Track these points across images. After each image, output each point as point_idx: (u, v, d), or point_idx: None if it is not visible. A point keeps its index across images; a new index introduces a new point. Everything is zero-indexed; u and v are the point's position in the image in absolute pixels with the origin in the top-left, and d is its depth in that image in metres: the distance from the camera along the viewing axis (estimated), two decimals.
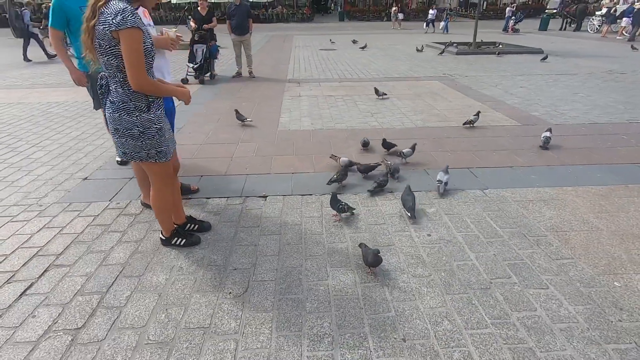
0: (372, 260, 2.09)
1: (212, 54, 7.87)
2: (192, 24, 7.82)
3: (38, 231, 2.59)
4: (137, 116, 1.93)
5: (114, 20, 1.65)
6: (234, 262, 2.27)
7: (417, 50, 12.51)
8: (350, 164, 3.43)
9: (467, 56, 11.41)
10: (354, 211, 2.73)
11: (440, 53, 11.87)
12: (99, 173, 3.51)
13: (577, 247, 2.39)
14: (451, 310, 1.89)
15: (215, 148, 4.11)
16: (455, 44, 12.68)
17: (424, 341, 1.72)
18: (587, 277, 2.11)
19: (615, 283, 2.07)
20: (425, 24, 20.91)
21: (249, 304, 1.94)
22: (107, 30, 1.67)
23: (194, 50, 7.57)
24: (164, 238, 2.40)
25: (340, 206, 2.63)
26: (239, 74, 8.40)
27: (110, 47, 1.73)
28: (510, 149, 3.99)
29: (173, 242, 2.38)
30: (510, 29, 20.08)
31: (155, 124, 2.00)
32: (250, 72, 8.32)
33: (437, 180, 3.10)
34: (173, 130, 2.80)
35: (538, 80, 7.67)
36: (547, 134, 4.06)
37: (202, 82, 7.66)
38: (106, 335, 1.76)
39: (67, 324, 1.82)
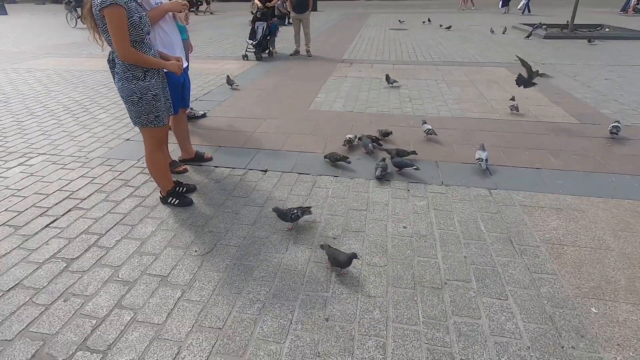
0: (344, 260, 1.99)
1: (271, 31, 8.14)
2: (256, 1, 8.15)
3: (77, 179, 3.14)
4: (135, 84, 2.22)
5: (97, 1, 1.90)
6: (211, 225, 2.51)
7: (492, 32, 11.40)
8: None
9: (557, 40, 9.98)
10: (310, 210, 2.48)
11: (527, 36, 10.55)
12: (139, 135, 4.03)
13: (568, 263, 2.13)
14: (387, 302, 1.88)
15: (244, 122, 4.38)
16: (544, 26, 11.13)
17: (345, 324, 1.76)
18: (561, 297, 1.90)
19: (592, 309, 1.83)
20: (500, 2, 18.21)
21: (207, 263, 2.16)
22: (97, 10, 1.94)
23: (255, 28, 7.91)
24: (161, 196, 2.73)
25: (293, 215, 2.38)
26: (296, 52, 8.58)
27: (104, 24, 2.01)
28: (549, 149, 3.55)
29: (169, 201, 2.71)
30: (630, 9, 16.83)
31: (151, 91, 2.28)
32: (308, 51, 8.44)
33: (477, 159, 3.16)
34: (188, 103, 3.12)
35: (634, 72, 6.46)
36: (616, 123, 3.77)
37: (259, 59, 8.02)
38: (89, 267, 2.13)
39: (67, 254, 2.24)
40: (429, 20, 14.52)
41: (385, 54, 8.47)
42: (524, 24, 12.34)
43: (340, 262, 2.02)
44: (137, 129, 4.21)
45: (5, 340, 1.70)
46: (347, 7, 21.94)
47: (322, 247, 2.16)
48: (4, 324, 1.78)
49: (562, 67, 6.96)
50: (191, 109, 4.30)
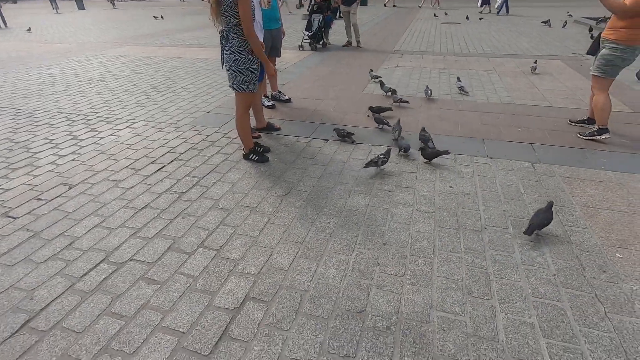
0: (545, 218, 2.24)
1: (326, 23, 8.63)
2: None
3: (173, 139, 3.82)
4: (245, 57, 2.81)
5: None
6: (286, 176, 3.04)
7: (543, 22, 11.45)
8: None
9: None
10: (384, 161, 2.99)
11: (590, 30, 10.16)
12: (217, 109, 4.69)
13: (600, 222, 2.40)
14: (434, 237, 2.29)
15: (305, 101, 4.91)
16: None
17: (399, 248, 2.20)
18: (589, 244, 2.19)
19: (617, 254, 2.11)
20: (479, 1, 16.14)
21: (285, 201, 2.69)
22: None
23: (311, 20, 8.44)
24: (244, 153, 3.31)
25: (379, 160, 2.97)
26: (348, 44, 9.00)
27: (232, 9, 2.60)
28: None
29: (249, 157, 3.28)
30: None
31: (256, 63, 2.87)
32: (358, 42, 8.81)
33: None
34: (262, 76, 3.68)
35: None
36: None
37: (314, 49, 8.54)
38: (196, 198, 2.75)
39: (177, 189, 2.88)
40: (435, 15, 14.53)
41: (436, 46, 8.64)
42: (586, 17, 11.80)
43: (549, 219, 2.23)
44: (215, 103, 4.89)
45: (147, 238, 2.33)
46: (398, 1, 21.87)
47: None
48: (143, 229, 2.42)
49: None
50: (279, 91, 4.90)
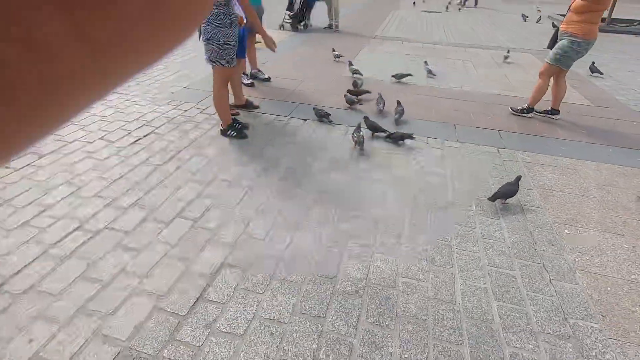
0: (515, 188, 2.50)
1: (308, 4, 8.52)
2: None
3: (149, 112, 3.76)
4: (223, 30, 2.79)
5: None
6: (264, 153, 3.09)
7: (525, 17, 11.65)
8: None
9: None
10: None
11: (554, 26, 10.58)
12: (195, 84, 4.61)
13: (553, 202, 2.61)
14: (404, 211, 2.43)
15: (284, 81, 4.90)
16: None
17: (371, 222, 2.32)
18: (541, 222, 2.40)
19: (565, 230, 2.33)
20: None
21: (263, 176, 2.75)
22: None
23: (292, 0, 8.30)
24: (222, 129, 3.32)
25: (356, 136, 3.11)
26: (330, 26, 8.94)
27: None
28: (558, 124, 3.96)
29: (228, 133, 3.29)
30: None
31: (232, 37, 2.84)
32: (336, 26, 8.76)
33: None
34: (244, 53, 3.66)
35: None
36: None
37: (295, 29, 8.44)
38: (173, 171, 2.75)
39: (154, 162, 2.87)
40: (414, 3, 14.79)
41: (415, 34, 8.75)
42: (558, 14, 12.23)
43: (514, 191, 2.50)
44: (193, 78, 4.81)
45: (123, 207, 2.34)
46: None
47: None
48: (118, 199, 2.42)
49: (587, 57, 7.12)
50: (259, 70, 4.85)
